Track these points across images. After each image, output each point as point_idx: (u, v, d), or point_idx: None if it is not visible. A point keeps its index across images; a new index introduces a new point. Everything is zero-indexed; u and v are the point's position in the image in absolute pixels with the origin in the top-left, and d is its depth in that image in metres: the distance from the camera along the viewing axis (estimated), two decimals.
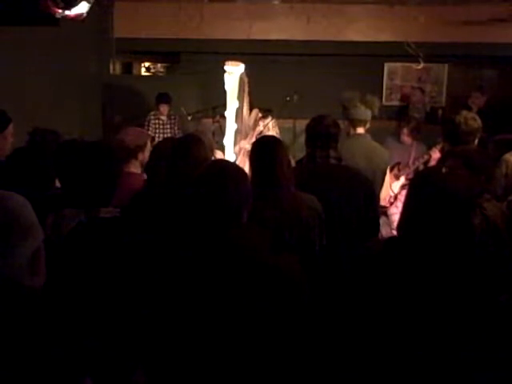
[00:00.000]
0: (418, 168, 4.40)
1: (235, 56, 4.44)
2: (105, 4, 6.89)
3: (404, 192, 3.95)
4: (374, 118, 3.37)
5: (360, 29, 7.65)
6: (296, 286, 1.59)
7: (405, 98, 8.26)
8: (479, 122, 3.11)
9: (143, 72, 10.07)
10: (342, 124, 3.02)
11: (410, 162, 4.59)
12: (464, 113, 3.16)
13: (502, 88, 7.80)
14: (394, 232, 1.88)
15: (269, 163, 2.29)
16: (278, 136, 3.94)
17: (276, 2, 7.41)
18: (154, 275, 1.60)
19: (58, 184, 2.19)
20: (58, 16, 3.38)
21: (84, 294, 1.57)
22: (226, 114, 4.13)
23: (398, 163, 4.62)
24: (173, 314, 1.56)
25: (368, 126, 3.35)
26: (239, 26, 7.60)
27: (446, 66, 8.30)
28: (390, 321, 1.54)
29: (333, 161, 2.68)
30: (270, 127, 4.82)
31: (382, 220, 3.39)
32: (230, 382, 1.53)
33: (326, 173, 2.66)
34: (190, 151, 2.44)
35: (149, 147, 3.02)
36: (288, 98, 6.88)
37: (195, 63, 7.81)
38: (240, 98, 4.14)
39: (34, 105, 4.69)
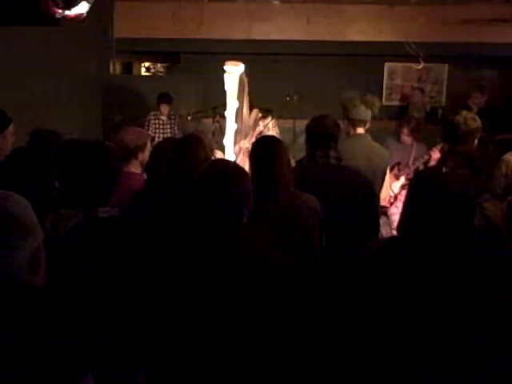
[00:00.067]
0: (417, 168, 4.40)
1: (235, 56, 4.43)
2: (105, 4, 6.89)
3: (404, 192, 3.95)
4: (374, 118, 3.37)
5: (360, 29, 7.66)
6: (296, 287, 1.59)
7: (405, 98, 8.27)
8: (479, 122, 3.12)
9: (143, 72, 10.07)
10: (342, 124, 3.02)
11: (410, 162, 4.59)
12: (464, 113, 3.17)
13: (502, 88, 7.81)
14: (394, 232, 1.88)
15: (269, 163, 2.29)
16: (278, 136, 3.94)
17: (276, 2, 7.41)
18: (154, 274, 1.60)
19: (58, 184, 2.18)
20: (57, 16, 3.38)
21: (84, 293, 1.57)
22: (226, 114, 4.13)
23: (398, 163, 4.62)
24: (173, 313, 1.56)
25: (368, 126, 3.35)
26: (239, 26, 7.60)
27: (446, 66, 8.31)
28: (390, 321, 1.54)
29: (333, 161, 2.67)
30: (270, 127, 4.82)
31: (382, 220, 3.39)
32: (230, 381, 1.53)
33: (326, 173, 2.66)
34: (191, 151, 2.44)
35: (149, 147, 3.02)
36: (288, 98, 6.90)
37: (195, 63, 7.83)
38: (240, 98, 4.14)
39: (33, 105, 4.69)
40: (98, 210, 1.74)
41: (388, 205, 4.18)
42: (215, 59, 4.89)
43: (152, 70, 10.16)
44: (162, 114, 6.45)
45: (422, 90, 7.94)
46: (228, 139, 4.13)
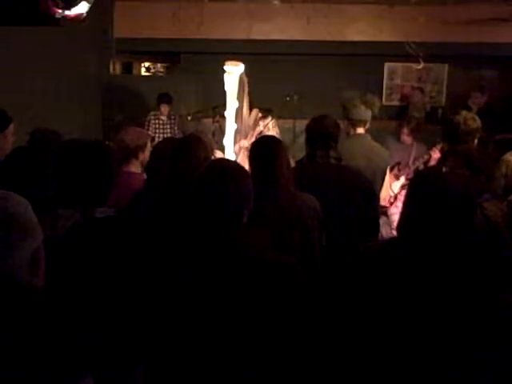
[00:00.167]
0: (417, 168, 4.40)
1: (235, 56, 4.44)
2: (105, 4, 6.88)
3: (404, 192, 3.95)
4: (374, 118, 3.37)
5: (360, 29, 7.65)
6: (296, 287, 1.59)
7: (405, 97, 8.26)
8: (479, 121, 3.12)
9: (143, 72, 10.07)
10: (342, 124, 3.02)
11: (410, 162, 4.59)
12: (463, 113, 3.17)
13: (502, 88, 7.81)
14: (394, 232, 1.88)
15: (268, 163, 2.29)
16: (278, 136, 3.94)
17: (276, 2, 7.41)
18: (153, 274, 1.60)
19: (55, 184, 2.18)
20: (57, 16, 3.38)
21: (83, 294, 1.57)
22: (226, 114, 4.13)
23: (398, 163, 4.62)
24: (173, 313, 1.56)
25: (368, 126, 3.35)
26: (239, 26, 7.60)
27: (446, 66, 8.31)
28: (390, 321, 1.54)
29: (333, 161, 2.67)
30: (270, 127, 4.82)
31: (382, 220, 3.39)
32: (230, 381, 1.53)
33: (326, 173, 2.66)
34: (191, 151, 2.44)
35: (149, 147, 3.02)
36: (288, 98, 6.90)
37: (195, 63, 7.82)
38: (240, 98, 4.14)
39: (33, 105, 4.69)
40: (95, 210, 1.74)
41: (388, 205, 4.18)
42: (215, 59, 4.89)
43: (152, 70, 10.16)
44: (162, 113, 6.45)
45: (421, 90, 7.94)
46: (228, 139, 4.13)
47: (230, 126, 4.12)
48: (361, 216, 2.65)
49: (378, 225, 2.82)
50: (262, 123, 4.73)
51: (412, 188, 1.70)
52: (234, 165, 1.79)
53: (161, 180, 2.51)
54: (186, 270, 1.56)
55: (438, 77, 8.41)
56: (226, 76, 4.02)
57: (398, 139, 4.85)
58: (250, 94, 4.40)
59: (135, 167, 3.00)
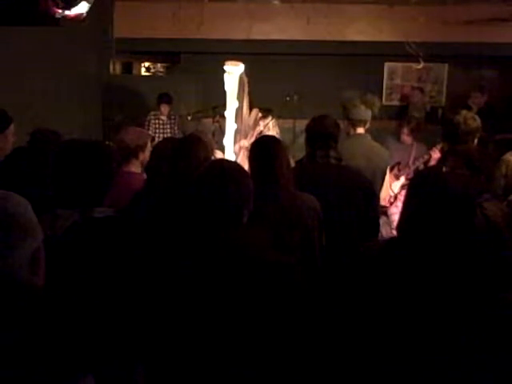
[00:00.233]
0: (417, 168, 4.40)
1: (235, 56, 4.44)
2: (105, 4, 6.88)
3: (404, 192, 3.95)
4: (374, 117, 3.37)
5: (360, 29, 7.66)
6: (296, 287, 1.59)
7: (405, 97, 8.26)
8: (478, 121, 3.12)
9: (143, 72, 10.07)
10: (342, 124, 3.02)
11: (410, 161, 4.59)
12: (463, 113, 3.17)
13: (502, 88, 7.81)
14: (394, 232, 1.88)
15: (268, 163, 2.29)
16: (278, 136, 3.94)
17: (276, 2, 7.41)
18: (152, 274, 1.60)
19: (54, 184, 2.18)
20: (57, 16, 3.38)
21: (83, 294, 1.57)
22: (226, 114, 4.13)
23: (398, 163, 4.62)
24: (173, 313, 1.56)
25: (368, 125, 3.35)
26: (239, 26, 7.60)
27: (446, 65, 8.31)
28: (390, 321, 1.54)
29: (333, 161, 2.67)
30: (270, 127, 4.82)
31: (382, 220, 3.39)
32: (230, 381, 1.53)
33: (326, 173, 2.66)
34: (191, 151, 2.44)
35: (149, 147, 3.02)
36: (288, 98, 6.90)
37: (195, 63, 7.82)
38: (240, 97, 4.14)
39: (33, 105, 4.69)
40: (94, 210, 1.74)
41: (388, 205, 4.18)
42: (215, 59, 4.89)
43: (152, 70, 10.16)
44: (162, 113, 6.46)
45: (421, 90, 7.94)
46: (228, 139, 4.13)
47: (230, 125, 4.12)
48: (361, 216, 2.65)
49: (378, 225, 2.82)
50: (262, 123, 4.73)
51: (412, 188, 1.70)
52: (234, 165, 1.79)
53: (161, 180, 2.52)
54: (186, 270, 1.56)
55: (437, 77, 8.41)
56: (226, 76, 4.02)
57: (398, 139, 4.85)
58: (250, 93, 4.40)
59: (135, 167, 3.00)
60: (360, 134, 3.32)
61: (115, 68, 8.31)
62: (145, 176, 2.91)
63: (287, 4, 7.39)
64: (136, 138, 3.01)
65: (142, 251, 1.71)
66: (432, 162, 4.17)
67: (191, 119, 6.46)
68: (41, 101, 4.93)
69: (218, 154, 3.68)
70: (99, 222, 1.73)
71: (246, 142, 4.28)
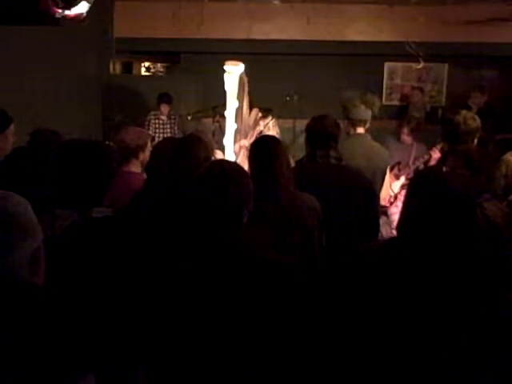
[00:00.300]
0: (417, 168, 4.40)
1: (235, 56, 4.44)
2: (105, 4, 6.88)
3: (404, 192, 3.95)
4: (374, 117, 3.38)
5: (360, 28, 7.66)
6: (296, 287, 1.59)
7: (405, 97, 8.26)
8: (478, 121, 3.12)
9: (143, 72, 10.07)
10: (342, 124, 3.02)
11: (410, 161, 4.59)
12: (463, 112, 3.17)
13: (502, 88, 7.81)
14: (394, 232, 1.88)
15: (268, 163, 2.29)
16: (278, 136, 3.94)
17: (276, 2, 7.41)
18: (152, 274, 1.60)
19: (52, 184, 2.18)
20: (57, 16, 3.38)
21: (83, 294, 1.57)
22: (226, 113, 4.13)
23: (398, 163, 4.62)
24: (173, 313, 1.56)
25: (368, 125, 3.35)
26: (239, 26, 7.60)
27: (446, 65, 8.31)
28: (390, 321, 1.54)
29: (333, 161, 2.67)
30: (270, 127, 4.82)
31: (382, 220, 3.39)
32: (230, 381, 1.53)
33: (326, 173, 2.66)
34: (191, 151, 2.44)
35: (149, 147, 3.03)
36: (288, 98, 6.91)
37: (195, 63, 7.83)
38: (240, 97, 4.14)
39: (33, 105, 4.69)
40: (92, 210, 1.74)
41: (388, 204, 4.18)
42: (215, 59, 4.89)
43: (152, 70, 10.16)
44: (162, 113, 6.46)
45: (421, 90, 7.94)
46: (228, 139, 4.13)
47: (230, 125, 4.12)
48: (361, 216, 2.65)
49: (378, 225, 2.82)
50: (262, 123, 4.73)
51: (412, 188, 1.70)
52: (234, 165, 1.79)
53: (161, 180, 2.52)
54: (186, 270, 1.56)
55: (437, 77, 8.41)
56: (225, 76, 4.02)
57: (398, 139, 4.85)
58: (249, 93, 4.40)
59: (135, 167, 3.00)
60: (360, 134, 3.32)
61: (115, 68, 8.31)
62: (145, 176, 2.91)
63: (287, 4, 7.38)
64: (136, 138, 3.01)
65: (141, 251, 1.71)
66: (432, 162, 4.17)
67: (191, 119, 6.46)
68: (41, 101, 4.94)
69: (218, 154, 3.68)
70: (97, 222, 1.73)
71: (246, 142, 4.27)
